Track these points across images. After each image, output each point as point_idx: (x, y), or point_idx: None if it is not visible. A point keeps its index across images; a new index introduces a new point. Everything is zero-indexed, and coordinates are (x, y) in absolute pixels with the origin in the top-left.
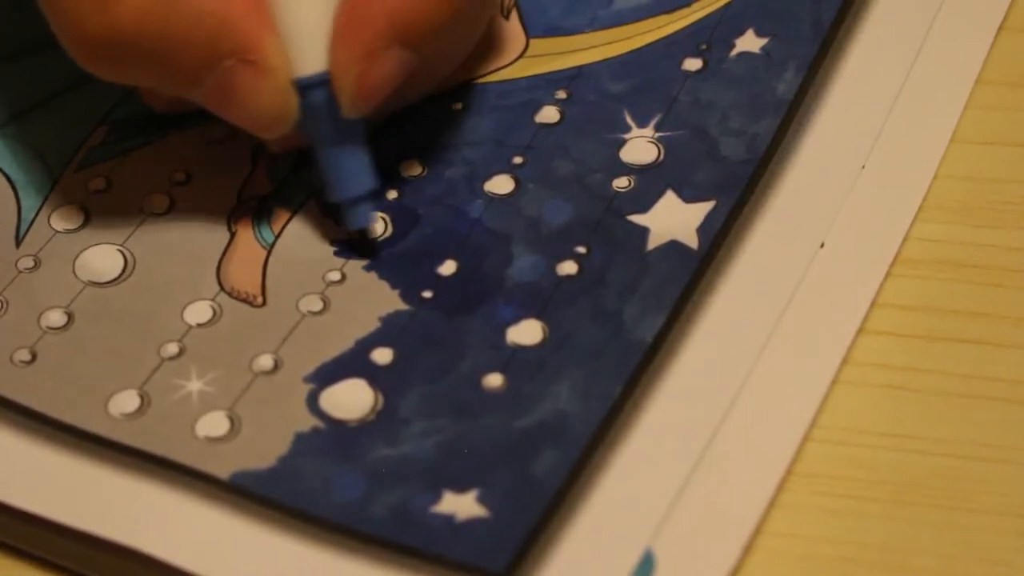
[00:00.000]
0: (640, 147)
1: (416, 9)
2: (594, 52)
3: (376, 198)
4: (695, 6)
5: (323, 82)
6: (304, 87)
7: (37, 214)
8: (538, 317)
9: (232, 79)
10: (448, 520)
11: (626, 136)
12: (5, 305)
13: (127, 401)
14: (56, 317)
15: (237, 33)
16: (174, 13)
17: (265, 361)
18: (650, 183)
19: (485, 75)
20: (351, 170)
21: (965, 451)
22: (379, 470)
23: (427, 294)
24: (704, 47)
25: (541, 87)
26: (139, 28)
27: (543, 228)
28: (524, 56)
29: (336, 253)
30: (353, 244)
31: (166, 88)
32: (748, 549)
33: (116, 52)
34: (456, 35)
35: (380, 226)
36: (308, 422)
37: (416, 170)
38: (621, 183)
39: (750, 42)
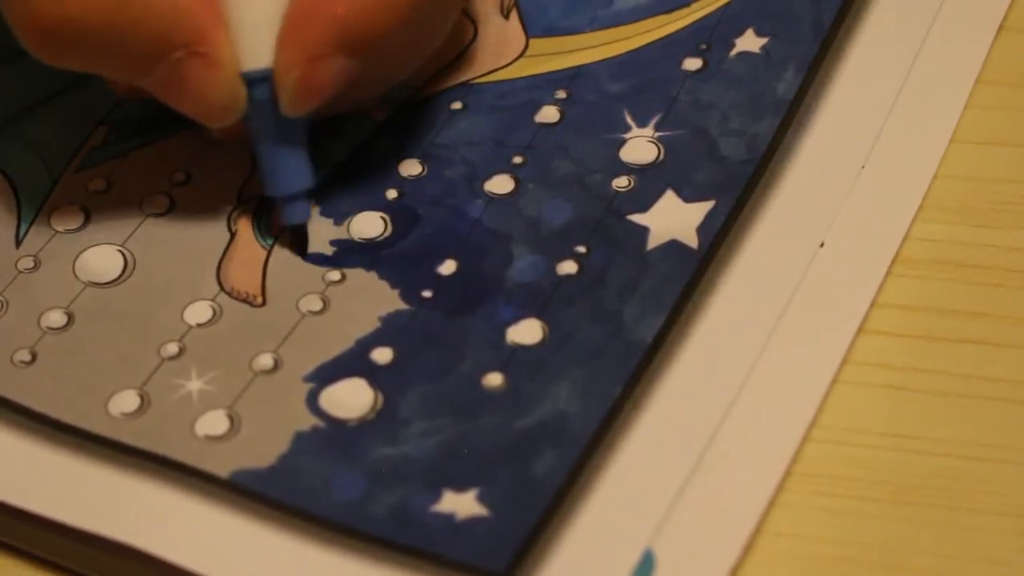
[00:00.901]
0: (640, 147)
1: (363, 19)
2: (594, 52)
3: (312, 196)
4: (695, 6)
5: (267, 78)
6: (248, 81)
7: (37, 214)
8: (538, 317)
9: (181, 70)
10: (448, 519)
11: (626, 136)
12: (5, 305)
13: (127, 401)
14: (56, 317)
15: (188, 25)
16: (126, 3)
17: (265, 360)
18: (650, 183)
19: (485, 75)
20: (289, 166)
21: (965, 451)
22: (379, 469)
23: (427, 294)
24: (704, 47)
25: (541, 87)
26: (90, 17)
27: (543, 228)
28: (524, 56)
29: (336, 253)
30: (289, 240)
31: (116, 76)
32: (748, 549)
33: (66, 40)
34: (404, 47)
35: (380, 226)
36: (308, 421)
37: (416, 170)
38: (621, 183)
39: (750, 42)
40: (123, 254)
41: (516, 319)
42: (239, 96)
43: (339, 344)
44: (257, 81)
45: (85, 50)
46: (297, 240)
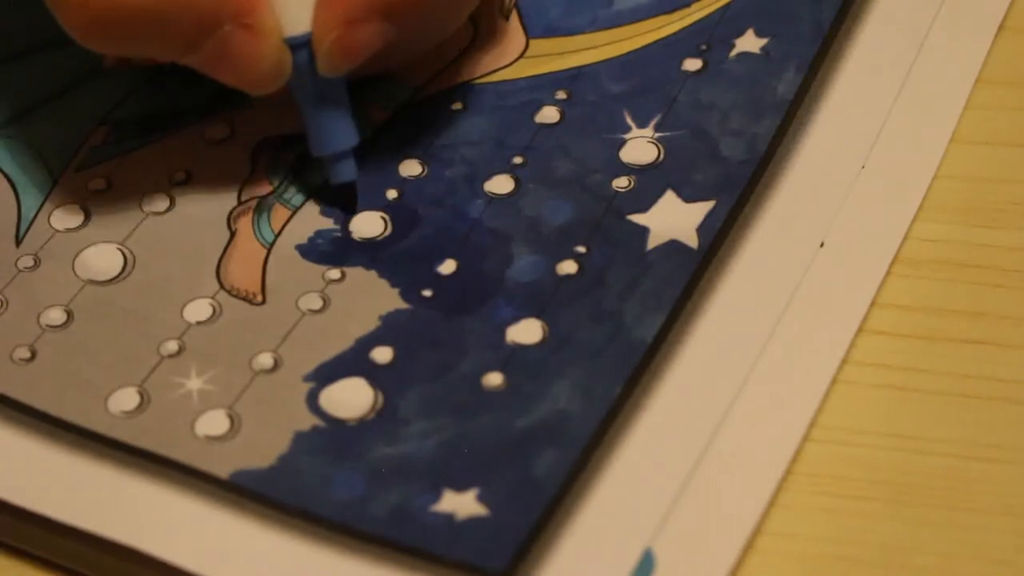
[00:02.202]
0: (640, 147)
1: None
2: (594, 52)
3: (357, 154)
4: (695, 6)
5: (308, 42)
6: (290, 47)
7: (37, 214)
8: (538, 317)
9: (229, 44)
10: (448, 519)
11: (626, 136)
12: (5, 303)
13: (127, 399)
14: (56, 315)
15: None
16: None
17: (265, 359)
18: (650, 183)
19: (485, 75)
20: (334, 126)
21: (965, 451)
22: (379, 469)
23: (427, 293)
24: (704, 47)
25: (541, 87)
26: (141, 2)
27: (543, 228)
28: (524, 56)
29: (336, 252)
30: (336, 199)
31: (161, 56)
32: (748, 549)
33: (114, 26)
34: (439, 12)
35: (380, 226)
36: (308, 421)
37: (416, 170)
38: (621, 183)
39: (750, 42)
40: (123, 252)
41: (516, 319)
42: (285, 63)
43: (339, 343)
44: (299, 46)
45: (133, 35)
46: (346, 198)
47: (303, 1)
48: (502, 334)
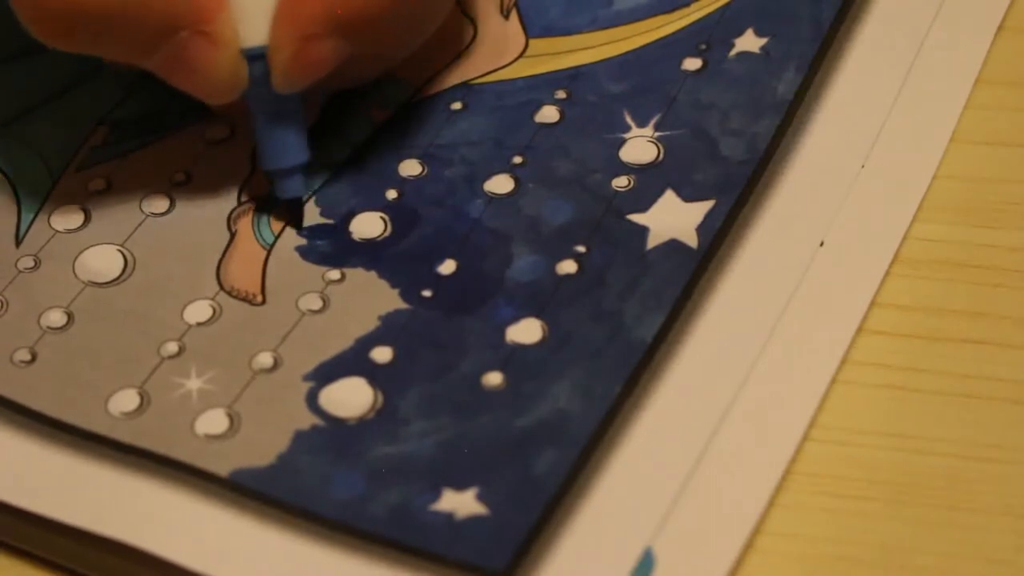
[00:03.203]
0: (640, 147)
1: (356, 2)
2: (593, 52)
3: (307, 171)
4: (694, 6)
5: (264, 55)
6: (247, 58)
7: (37, 214)
8: (538, 316)
9: (185, 50)
10: (448, 518)
11: (626, 136)
12: (5, 305)
13: (127, 400)
14: (56, 317)
15: (191, 5)
16: None
17: (265, 359)
18: (650, 182)
19: (485, 75)
20: (285, 142)
21: (965, 451)
22: (379, 468)
23: (427, 293)
24: (704, 47)
25: (541, 87)
26: (95, 1)
27: (543, 228)
28: (524, 56)
29: (336, 253)
30: (283, 214)
31: (118, 57)
32: (748, 549)
33: (72, 24)
34: (398, 29)
35: (380, 226)
36: (308, 420)
37: (416, 170)
38: (621, 183)
39: (750, 42)
40: (123, 253)
41: (516, 319)
42: (241, 74)
43: (339, 343)
44: (254, 58)
45: (91, 34)
46: (292, 213)
47: (263, 13)
48: (502, 334)
